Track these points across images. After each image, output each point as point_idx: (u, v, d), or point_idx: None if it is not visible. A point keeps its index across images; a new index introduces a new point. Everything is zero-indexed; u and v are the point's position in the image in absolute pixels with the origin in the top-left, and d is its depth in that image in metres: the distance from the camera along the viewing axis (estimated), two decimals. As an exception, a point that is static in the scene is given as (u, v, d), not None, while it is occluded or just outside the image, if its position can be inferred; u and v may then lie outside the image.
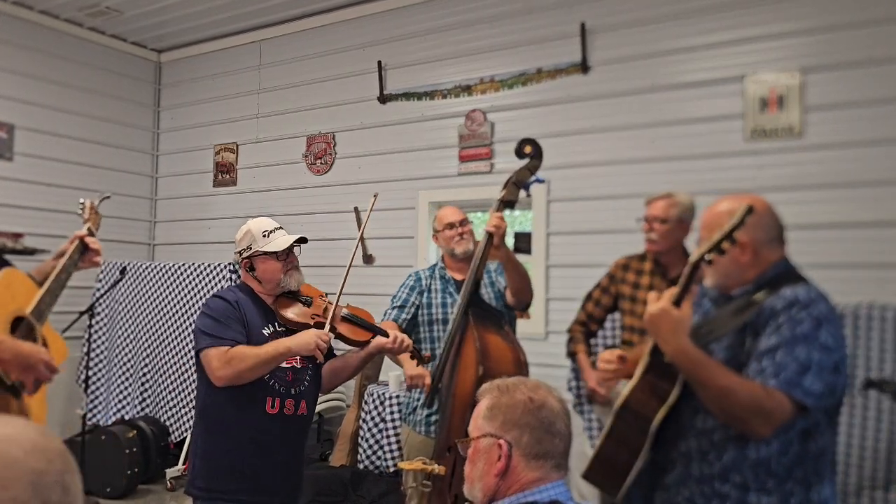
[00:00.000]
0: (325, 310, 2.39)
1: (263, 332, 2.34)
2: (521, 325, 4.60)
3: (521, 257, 4.81)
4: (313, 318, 2.37)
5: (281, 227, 2.43)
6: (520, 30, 4.74)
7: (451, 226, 3.01)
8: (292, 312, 2.37)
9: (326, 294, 2.52)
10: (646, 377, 1.75)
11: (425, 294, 3.00)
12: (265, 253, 2.34)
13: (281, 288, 2.38)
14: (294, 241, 2.38)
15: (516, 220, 5.46)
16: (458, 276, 2.99)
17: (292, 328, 2.36)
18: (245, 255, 2.37)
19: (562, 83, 4.56)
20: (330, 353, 2.52)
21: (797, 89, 3.81)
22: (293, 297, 2.43)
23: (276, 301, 2.40)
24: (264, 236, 2.36)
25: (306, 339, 2.22)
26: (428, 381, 2.65)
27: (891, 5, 3.62)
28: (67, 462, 0.86)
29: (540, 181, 2.85)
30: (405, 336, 2.45)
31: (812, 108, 3.79)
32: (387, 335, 2.41)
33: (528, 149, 2.83)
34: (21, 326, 2.13)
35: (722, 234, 1.63)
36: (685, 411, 1.73)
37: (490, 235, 2.67)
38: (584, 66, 4.46)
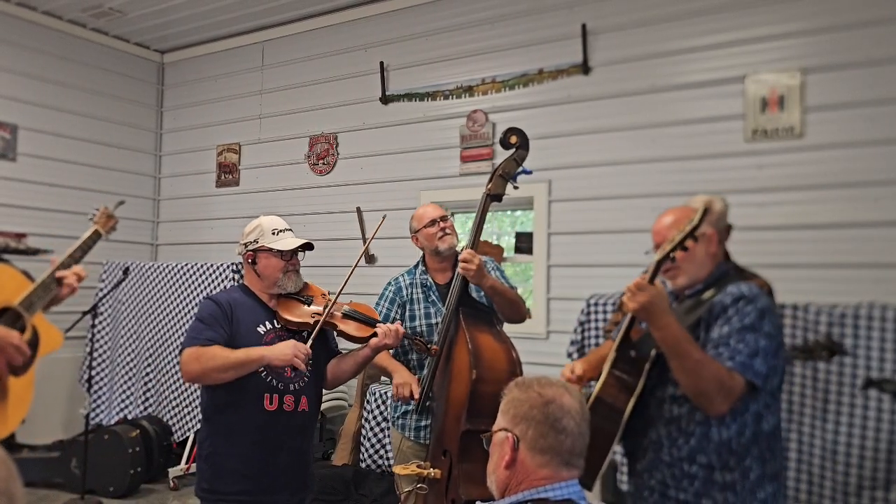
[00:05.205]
0: (325, 307, 2.40)
1: (258, 329, 2.35)
2: (522, 325, 4.62)
3: (521, 257, 4.86)
4: (313, 317, 2.37)
5: (291, 230, 2.45)
6: (521, 31, 4.76)
7: (433, 222, 2.87)
8: (291, 311, 2.39)
9: (329, 293, 2.52)
10: (613, 372, 1.95)
11: (407, 307, 2.87)
12: (270, 249, 2.36)
13: (278, 288, 2.39)
14: (300, 245, 2.39)
15: (518, 220, 5.47)
16: (441, 280, 2.90)
17: (291, 328, 2.38)
18: (250, 247, 2.39)
19: (563, 84, 4.57)
20: (335, 351, 2.53)
21: (797, 89, 3.82)
22: (294, 296, 2.44)
23: (278, 301, 2.42)
24: (273, 234, 2.38)
25: (283, 350, 2.19)
26: (416, 387, 2.61)
27: (891, 5, 3.62)
28: (10, 469, 0.84)
29: (527, 172, 2.72)
30: (396, 326, 2.40)
31: (812, 108, 3.80)
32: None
33: (513, 139, 2.71)
34: (7, 315, 2.16)
35: (683, 234, 1.80)
36: (652, 403, 1.93)
37: (465, 279, 2.59)
38: (585, 67, 4.48)
